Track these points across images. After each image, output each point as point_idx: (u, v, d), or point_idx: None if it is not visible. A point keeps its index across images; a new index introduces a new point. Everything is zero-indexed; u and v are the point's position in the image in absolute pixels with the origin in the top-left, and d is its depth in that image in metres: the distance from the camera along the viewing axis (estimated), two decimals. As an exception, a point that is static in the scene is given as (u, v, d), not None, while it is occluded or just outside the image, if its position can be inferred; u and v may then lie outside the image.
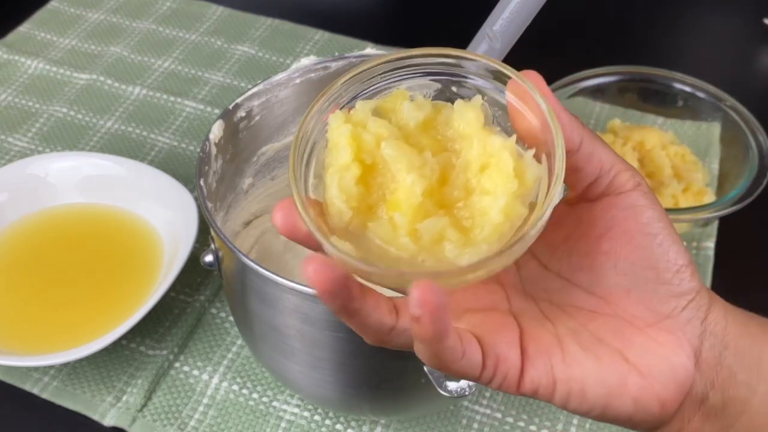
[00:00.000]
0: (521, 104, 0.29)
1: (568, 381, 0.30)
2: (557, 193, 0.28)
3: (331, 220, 0.29)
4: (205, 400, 0.54)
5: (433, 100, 0.32)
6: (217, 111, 0.75)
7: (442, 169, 0.30)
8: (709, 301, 0.32)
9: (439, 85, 0.32)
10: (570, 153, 0.30)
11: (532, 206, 0.29)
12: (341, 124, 0.30)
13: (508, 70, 0.30)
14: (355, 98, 0.31)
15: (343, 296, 0.27)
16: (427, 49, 0.31)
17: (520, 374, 0.30)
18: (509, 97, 0.30)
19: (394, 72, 0.32)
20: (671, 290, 0.31)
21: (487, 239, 0.28)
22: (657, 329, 0.31)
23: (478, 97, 0.31)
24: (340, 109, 0.31)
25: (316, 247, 0.29)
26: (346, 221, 0.29)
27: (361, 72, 0.31)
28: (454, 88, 0.32)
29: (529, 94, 0.29)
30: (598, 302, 0.32)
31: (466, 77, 0.32)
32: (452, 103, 0.31)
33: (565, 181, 0.31)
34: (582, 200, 0.32)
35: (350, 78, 0.31)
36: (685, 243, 0.63)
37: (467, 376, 0.30)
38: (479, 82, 0.31)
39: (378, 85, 0.32)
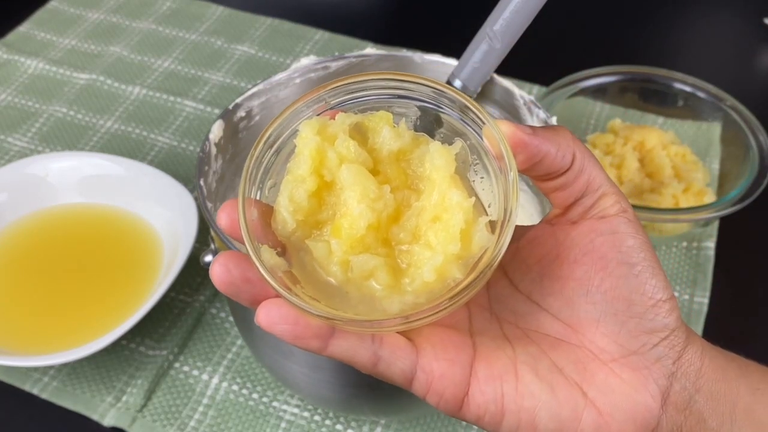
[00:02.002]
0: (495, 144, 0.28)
1: (518, 411, 0.28)
2: (495, 263, 0.27)
3: (275, 226, 0.29)
4: (205, 401, 0.54)
5: (419, 121, 0.31)
6: (217, 111, 0.75)
7: (397, 206, 0.29)
8: (685, 340, 0.30)
9: (426, 110, 0.31)
10: (561, 171, 0.29)
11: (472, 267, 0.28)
12: (310, 134, 0.29)
13: (477, 109, 0.29)
14: (338, 107, 0.30)
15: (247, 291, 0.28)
16: (418, 77, 0.30)
17: (463, 396, 0.28)
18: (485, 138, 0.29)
19: (384, 90, 0.31)
20: (642, 325, 0.29)
21: (415, 292, 0.28)
22: (621, 364, 0.29)
23: (459, 143, 0.29)
24: (318, 115, 0.30)
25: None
26: (289, 232, 0.29)
27: (349, 83, 0.30)
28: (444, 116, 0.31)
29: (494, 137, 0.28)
30: (565, 330, 0.30)
31: (450, 113, 0.30)
32: (436, 133, 0.30)
33: (549, 197, 0.31)
34: (563, 221, 0.31)
35: (337, 86, 0.30)
36: (685, 243, 0.64)
37: (395, 383, 0.29)
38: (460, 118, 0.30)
39: (366, 100, 0.31)
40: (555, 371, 0.29)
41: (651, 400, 0.29)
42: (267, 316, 0.27)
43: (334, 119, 0.30)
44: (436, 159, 0.29)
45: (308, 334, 0.27)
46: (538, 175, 0.30)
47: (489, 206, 0.29)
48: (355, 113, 0.30)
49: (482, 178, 0.30)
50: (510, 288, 0.32)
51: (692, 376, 0.30)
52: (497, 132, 0.28)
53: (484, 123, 0.29)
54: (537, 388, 0.29)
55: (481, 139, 0.29)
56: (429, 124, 0.32)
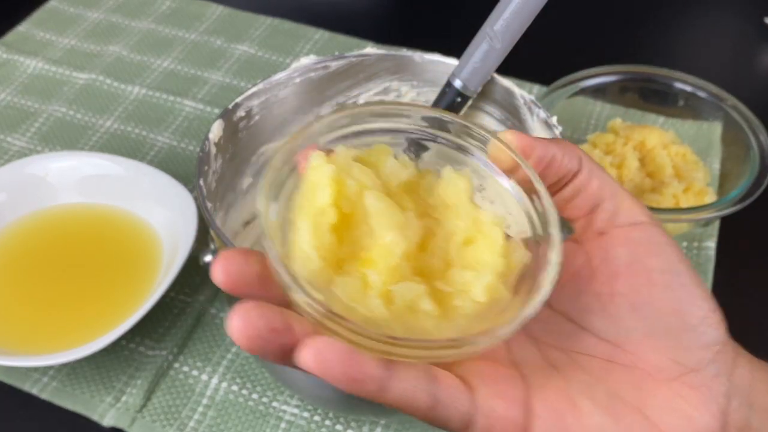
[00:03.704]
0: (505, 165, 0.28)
1: None
2: (552, 278, 0.26)
3: (293, 268, 0.26)
4: (205, 401, 0.54)
5: (407, 150, 0.30)
6: (216, 110, 0.75)
7: (422, 235, 0.27)
8: (734, 354, 0.29)
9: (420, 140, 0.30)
10: (571, 174, 0.29)
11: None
12: (323, 164, 0.27)
13: (478, 127, 0.29)
14: (334, 142, 0.29)
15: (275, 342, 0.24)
16: (413, 105, 0.29)
17: None
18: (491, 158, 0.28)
19: (372, 125, 0.29)
20: (697, 339, 0.28)
21: (466, 316, 0.26)
22: (680, 383, 0.28)
23: (468, 169, 0.29)
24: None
25: (257, 296, 0.26)
26: (311, 271, 0.26)
27: (344, 115, 0.29)
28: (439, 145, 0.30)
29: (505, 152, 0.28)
30: (613, 350, 0.29)
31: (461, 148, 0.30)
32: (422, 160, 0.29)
33: (568, 213, 0.30)
34: (589, 235, 0.30)
35: (332, 119, 0.29)
36: (685, 243, 0.63)
37: (450, 429, 0.26)
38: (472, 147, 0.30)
39: (360, 133, 0.29)
40: (613, 397, 0.28)
41: (712, 420, 0.27)
42: (318, 355, 0.23)
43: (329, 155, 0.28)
44: (456, 183, 0.28)
45: (365, 375, 0.24)
46: (549, 183, 0.29)
47: (508, 227, 0.28)
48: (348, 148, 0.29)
49: (492, 202, 0.29)
50: (545, 309, 0.29)
51: (745, 391, 0.28)
52: (505, 143, 0.28)
53: (487, 140, 0.28)
54: (600, 419, 0.27)
55: (479, 159, 0.29)
56: (414, 151, 0.31)
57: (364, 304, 0.25)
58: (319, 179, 0.26)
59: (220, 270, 0.25)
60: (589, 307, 0.29)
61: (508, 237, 0.27)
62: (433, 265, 0.27)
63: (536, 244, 0.27)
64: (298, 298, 0.24)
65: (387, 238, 0.26)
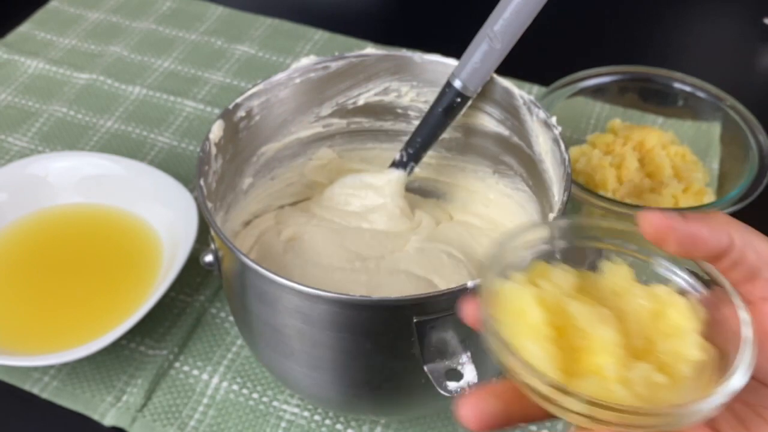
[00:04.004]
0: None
1: None
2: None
3: (535, 383, 0.28)
4: (205, 400, 0.54)
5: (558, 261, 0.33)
6: (217, 111, 0.75)
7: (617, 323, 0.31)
8: None
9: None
10: (721, 252, 0.30)
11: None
12: (521, 288, 0.30)
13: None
14: (507, 270, 0.32)
15: None
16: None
17: None
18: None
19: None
20: None
21: (695, 378, 0.28)
22: None
23: (619, 258, 0.32)
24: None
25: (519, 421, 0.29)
26: (553, 381, 0.28)
27: (578, 227, 0.33)
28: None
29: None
30: None
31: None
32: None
33: (728, 278, 0.31)
34: (754, 299, 0.30)
35: (560, 228, 0.33)
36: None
37: None
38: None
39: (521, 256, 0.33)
40: None
41: None
42: None
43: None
44: (618, 271, 0.32)
45: None
46: (701, 258, 0.30)
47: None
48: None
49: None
50: None
51: None
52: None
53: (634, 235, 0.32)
54: None
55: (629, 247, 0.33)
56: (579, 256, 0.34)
57: (609, 394, 0.28)
58: (524, 303, 0.30)
59: (471, 418, 0.28)
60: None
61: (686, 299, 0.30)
62: (638, 345, 0.30)
63: (708, 299, 0.31)
64: (569, 404, 0.27)
65: (603, 333, 0.29)
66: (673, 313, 0.30)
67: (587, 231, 0.33)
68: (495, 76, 0.51)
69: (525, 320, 0.29)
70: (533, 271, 0.32)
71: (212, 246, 0.47)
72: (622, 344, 0.29)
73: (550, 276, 0.32)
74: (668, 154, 0.66)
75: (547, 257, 0.33)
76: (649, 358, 0.30)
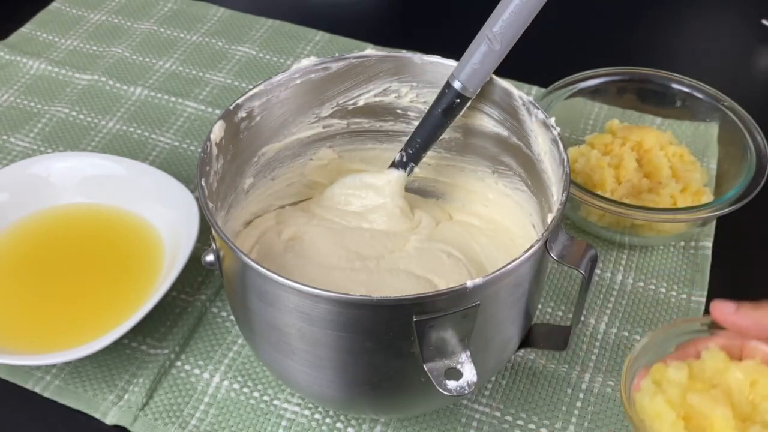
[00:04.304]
0: None
1: None
2: None
3: None
4: (206, 399, 0.54)
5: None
6: (218, 111, 0.76)
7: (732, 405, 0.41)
8: None
9: None
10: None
11: None
12: (654, 396, 0.42)
13: None
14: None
15: None
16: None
17: None
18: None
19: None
20: None
21: None
22: None
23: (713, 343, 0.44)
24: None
25: None
26: None
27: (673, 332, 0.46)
28: None
29: None
30: None
31: None
32: None
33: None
34: None
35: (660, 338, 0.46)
36: (683, 243, 0.64)
37: None
38: None
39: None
40: None
41: None
42: None
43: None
44: (714, 356, 0.43)
45: None
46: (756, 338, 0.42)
47: None
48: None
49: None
50: None
51: None
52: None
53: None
54: None
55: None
56: None
57: None
58: (660, 407, 0.41)
59: None
60: None
61: None
62: (745, 411, 0.41)
63: None
64: None
65: (720, 412, 0.40)
66: (765, 381, 0.41)
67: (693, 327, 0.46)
68: (494, 76, 0.52)
69: (663, 420, 0.41)
70: (655, 373, 0.43)
71: (213, 246, 0.48)
72: (734, 415, 0.40)
73: (668, 375, 0.42)
74: (666, 155, 0.66)
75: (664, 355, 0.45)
76: (755, 418, 0.40)
